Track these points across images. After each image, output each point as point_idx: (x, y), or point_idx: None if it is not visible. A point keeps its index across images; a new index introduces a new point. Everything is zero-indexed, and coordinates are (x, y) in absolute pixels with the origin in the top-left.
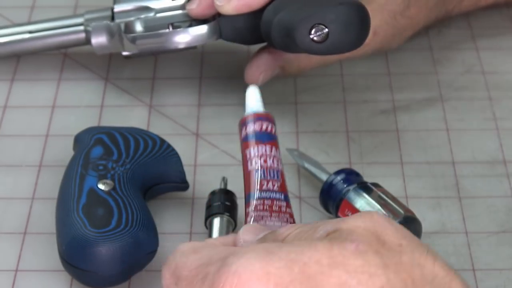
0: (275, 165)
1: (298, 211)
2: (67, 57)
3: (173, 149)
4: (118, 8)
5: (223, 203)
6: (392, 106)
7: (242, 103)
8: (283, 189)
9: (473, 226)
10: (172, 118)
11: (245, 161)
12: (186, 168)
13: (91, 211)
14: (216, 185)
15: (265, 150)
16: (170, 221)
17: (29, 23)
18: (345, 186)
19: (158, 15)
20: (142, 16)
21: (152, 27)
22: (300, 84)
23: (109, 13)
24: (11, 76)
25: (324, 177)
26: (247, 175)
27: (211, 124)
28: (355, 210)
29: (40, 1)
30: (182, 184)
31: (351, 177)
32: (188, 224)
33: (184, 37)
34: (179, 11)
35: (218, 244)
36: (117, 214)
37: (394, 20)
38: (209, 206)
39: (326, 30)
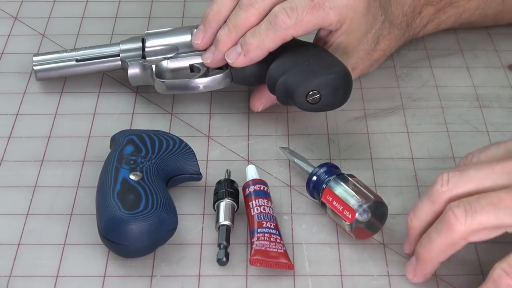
0: (270, 212)
1: (289, 197)
2: (105, 75)
3: (189, 148)
4: (149, 44)
5: (227, 190)
6: (363, 114)
7: (245, 112)
8: (276, 227)
9: None
10: (189, 123)
11: (248, 209)
12: (199, 163)
13: (124, 197)
14: (222, 176)
15: (263, 203)
16: (187, 205)
17: (75, 49)
18: (326, 176)
19: (181, 55)
20: (168, 56)
21: (176, 69)
22: None
23: (139, 44)
24: (60, 90)
25: (310, 169)
26: (251, 218)
27: (220, 128)
28: (335, 196)
29: (84, 30)
30: (196, 175)
31: (331, 169)
32: (201, 207)
33: (203, 83)
34: (197, 52)
35: None
36: (144, 199)
37: (368, 55)
38: (216, 192)
39: (319, 95)
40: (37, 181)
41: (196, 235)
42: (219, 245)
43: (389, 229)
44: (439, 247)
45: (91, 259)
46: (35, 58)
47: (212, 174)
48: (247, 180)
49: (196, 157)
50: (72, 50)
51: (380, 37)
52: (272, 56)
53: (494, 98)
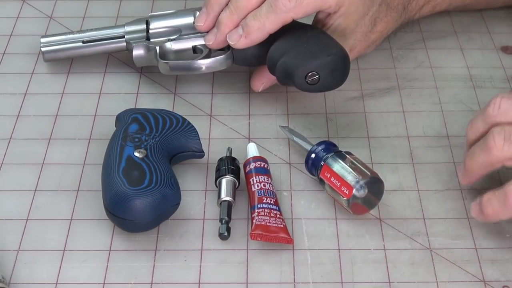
0: (270, 188)
1: (289, 174)
2: (110, 56)
3: (192, 126)
4: (153, 26)
5: (229, 167)
6: (360, 94)
7: (245, 91)
8: (276, 203)
9: (423, 185)
10: (192, 103)
11: (249, 186)
12: (202, 141)
13: (128, 173)
14: (224, 154)
15: (263, 179)
16: (190, 181)
17: (81, 31)
18: (324, 154)
19: (184, 37)
20: (172, 37)
21: (179, 50)
22: None
23: (143, 26)
24: (67, 70)
25: (308, 147)
26: (252, 194)
27: (222, 107)
28: (333, 173)
29: (90, 12)
30: (199, 153)
31: (329, 147)
32: (203, 183)
33: (206, 64)
34: (200, 34)
35: None
36: (149, 175)
37: (365, 37)
38: (218, 169)
39: (318, 76)
40: (44, 158)
41: (199, 210)
42: (220, 220)
43: (385, 205)
44: (479, 163)
45: (97, 234)
46: (42, 40)
47: (214, 151)
48: (248, 158)
49: (198, 135)
50: (78, 32)
51: (377, 19)
52: (272, 38)
53: (487, 78)
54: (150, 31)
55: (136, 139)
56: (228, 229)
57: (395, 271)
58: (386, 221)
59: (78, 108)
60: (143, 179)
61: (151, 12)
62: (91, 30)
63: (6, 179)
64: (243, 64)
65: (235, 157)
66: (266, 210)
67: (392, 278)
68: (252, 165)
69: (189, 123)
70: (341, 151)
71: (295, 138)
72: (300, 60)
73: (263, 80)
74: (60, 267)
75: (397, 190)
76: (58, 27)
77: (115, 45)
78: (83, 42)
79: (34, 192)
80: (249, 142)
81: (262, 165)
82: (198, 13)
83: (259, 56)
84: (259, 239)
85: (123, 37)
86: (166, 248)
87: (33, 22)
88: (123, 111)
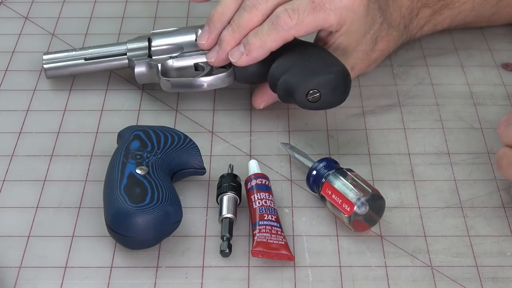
0: (271, 205)
1: (290, 191)
2: (112, 73)
3: (193, 143)
4: (155, 44)
5: (230, 184)
6: (361, 111)
7: (247, 108)
8: (277, 220)
9: (424, 202)
10: (193, 120)
11: (250, 203)
12: (203, 158)
13: (130, 190)
14: (225, 171)
15: (264, 196)
16: (191, 198)
17: (83, 48)
18: (326, 171)
19: (185, 54)
20: (173, 55)
21: (181, 67)
22: None
23: (145, 43)
24: (69, 87)
25: (309, 164)
26: (253, 211)
27: (223, 124)
28: (334, 190)
29: (92, 29)
30: (200, 170)
31: (331, 164)
32: (205, 200)
33: (207, 82)
34: (201, 51)
35: None
36: (150, 192)
37: (366, 55)
38: (219, 186)
39: (319, 93)
40: (46, 175)
41: (200, 227)
42: (222, 237)
43: (386, 222)
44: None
45: (98, 251)
46: (45, 57)
47: (216, 168)
48: (249, 175)
49: (200, 152)
50: (81, 49)
51: (378, 38)
52: (274, 55)
53: (488, 95)
54: (152, 48)
55: (138, 156)
56: (230, 246)
57: None
58: (387, 238)
59: (80, 125)
60: (144, 196)
61: (153, 30)
62: (94, 47)
63: (8, 195)
64: (245, 81)
65: (237, 174)
66: (267, 227)
67: None
68: (254, 182)
69: (190, 140)
70: (342, 168)
71: (296, 155)
72: (301, 77)
73: (265, 97)
74: (62, 284)
75: (398, 207)
76: (60, 44)
77: (117, 62)
78: (85, 59)
79: (36, 209)
80: (250, 159)
81: (263, 182)
82: (200, 30)
83: (261, 73)
84: (260, 256)
85: (125, 54)
86: (167, 265)
87: (35, 39)
88: (125, 128)
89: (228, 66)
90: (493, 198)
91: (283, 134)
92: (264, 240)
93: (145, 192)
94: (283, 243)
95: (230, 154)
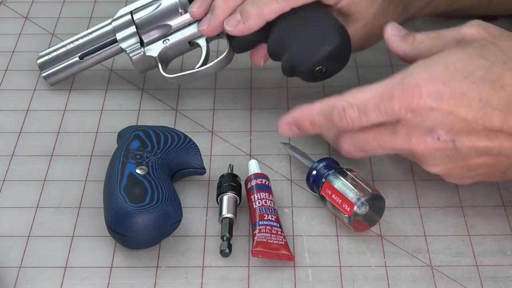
0: (271, 205)
1: (290, 190)
2: (112, 73)
3: (193, 143)
4: (142, 29)
5: (230, 184)
6: None
7: (246, 108)
8: (277, 220)
9: (424, 202)
10: (193, 119)
11: (250, 203)
12: (203, 158)
13: (130, 190)
14: (225, 170)
15: (264, 196)
16: (191, 198)
17: (71, 42)
18: (326, 171)
19: (177, 33)
20: (166, 38)
21: (175, 45)
22: (291, 93)
23: (134, 28)
24: (69, 87)
25: (309, 164)
26: (253, 211)
27: (223, 124)
28: (334, 190)
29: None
30: (200, 170)
31: (331, 164)
32: (205, 200)
33: (211, 70)
34: (193, 26)
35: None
36: (150, 192)
37: (365, 29)
38: (219, 186)
39: (324, 69)
40: (46, 175)
41: (200, 227)
42: (222, 237)
43: (387, 222)
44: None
45: (98, 251)
46: (39, 61)
47: (216, 168)
48: (249, 174)
49: (200, 152)
50: (70, 43)
51: (379, 14)
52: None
53: None
54: (142, 36)
55: (138, 156)
56: (230, 246)
57: None
58: (387, 238)
59: (80, 125)
60: (144, 196)
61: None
62: (81, 38)
63: (8, 195)
64: (243, 51)
65: (237, 174)
66: (267, 227)
67: None
68: (254, 182)
69: (190, 140)
70: (342, 168)
71: (297, 155)
72: (304, 58)
73: (263, 52)
74: (62, 284)
75: (398, 207)
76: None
77: (110, 51)
78: (80, 58)
79: (36, 209)
80: (250, 159)
81: (263, 182)
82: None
83: (258, 40)
84: (260, 256)
85: (116, 41)
86: (167, 265)
87: (35, 39)
88: (125, 128)
89: (221, 35)
90: (493, 197)
91: None
92: (264, 240)
93: (145, 192)
94: (283, 243)
95: (230, 154)
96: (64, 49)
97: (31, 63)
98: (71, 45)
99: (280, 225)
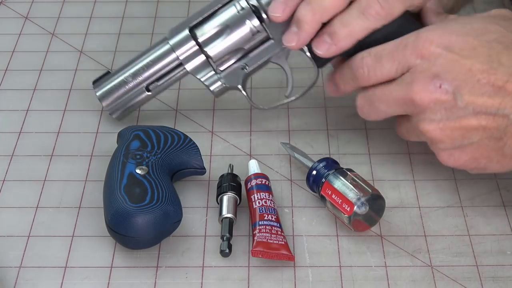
0: (271, 205)
1: (290, 190)
2: None
3: (193, 143)
4: (215, 57)
5: (230, 184)
6: None
7: (246, 108)
8: (277, 220)
9: (424, 202)
10: (193, 120)
11: (250, 202)
12: (203, 158)
13: (130, 190)
14: (225, 170)
15: (264, 196)
16: (191, 198)
17: (134, 75)
18: (326, 171)
19: (254, 57)
20: (243, 63)
21: (256, 70)
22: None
23: (203, 57)
24: (69, 87)
25: (309, 164)
26: (253, 211)
27: (223, 124)
28: (334, 190)
29: (92, 29)
30: (200, 170)
31: (331, 164)
32: (205, 200)
33: (302, 95)
34: (270, 43)
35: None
36: (150, 192)
37: None
38: (219, 186)
39: None
40: (46, 175)
41: (200, 227)
42: (222, 237)
43: (386, 222)
44: None
45: (98, 251)
46: (104, 103)
47: (216, 168)
48: (249, 174)
49: (200, 152)
50: (133, 78)
51: None
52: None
53: None
54: (216, 65)
55: (138, 156)
56: (230, 246)
57: None
58: (387, 238)
59: (80, 125)
60: (144, 196)
61: (167, 33)
62: (143, 69)
63: (8, 195)
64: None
65: (237, 174)
66: (267, 227)
67: None
68: (254, 182)
69: (190, 140)
70: (342, 168)
71: (296, 155)
72: None
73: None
74: (62, 284)
75: (398, 207)
76: (59, 43)
77: (179, 74)
78: (148, 90)
79: (36, 209)
80: (250, 159)
81: (263, 182)
82: (237, 7)
83: (344, 54)
84: (260, 256)
85: (181, 64)
86: (167, 265)
87: (35, 39)
88: (125, 128)
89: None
90: (493, 197)
91: (283, 133)
92: (264, 240)
93: (145, 192)
94: (283, 243)
95: (230, 154)
96: (127, 86)
97: (31, 63)
98: (134, 81)
99: (280, 225)
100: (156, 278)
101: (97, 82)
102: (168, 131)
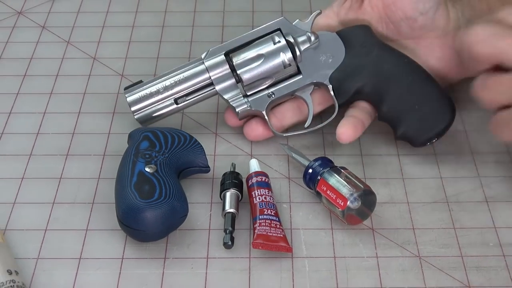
0: (271, 201)
1: (288, 187)
2: (123, 78)
3: (198, 143)
4: (246, 81)
5: (232, 181)
6: None
7: None
8: (276, 214)
9: (413, 198)
10: (198, 122)
11: (251, 198)
12: (208, 157)
13: (140, 187)
14: (228, 169)
15: (264, 192)
16: (197, 194)
17: (167, 88)
18: (321, 169)
19: (282, 87)
20: (270, 91)
21: (279, 100)
22: None
23: (232, 80)
24: (83, 90)
25: (306, 163)
26: (253, 206)
27: (226, 126)
28: (329, 186)
29: (104, 37)
30: (205, 168)
31: (326, 162)
32: (209, 196)
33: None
34: (298, 78)
35: None
36: (158, 189)
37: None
38: (222, 183)
39: (436, 139)
40: (62, 173)
41: (205, 221)
42: (225, 231)
43: (378, 216)
44: None
45: (110, 243)
46: (133, 108)
47: (219, 167)
48: (250, 172)
49: (204, 152)
50: (165, 89)
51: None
52: (378, 93)
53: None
54: (245, 90)
55: (147, 156)
56: (232, 239)
57: (386, 278)
58: (378, 231)
59: (93, 126)
60: (153, 192)
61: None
62: (177, 83)
63: (26, 192)
64: None
65: (238, 172)
66: (267, 221)
67: (384, 284)
68: (254, 180)
69: (196, 140)
70: (336, 166)
71: (294, 155)
72: (420, 133)
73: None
74: (76, 274)
75: (389, 203)
76: (74, 50)
77: (208, 93)
78: (176, 103)
79: (53, 205)
80: (251, 158)
81: (263, 180)
82: (275, 39)
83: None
84: (260, 248)
85: (212, 84)
86: (174, 257)
87: (51, 46)
88: (135, 129)
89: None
90: (476, 193)
91: None
92: (264, 233)
93: (153, 188)
94: (281, 235)
95: (232, 154)
96: (157, 96)
97: (48, 69)
98: (166, 93)
99: (279, 219)
100: (164, 269)
101: (129, 88)
102: (175, 132)
